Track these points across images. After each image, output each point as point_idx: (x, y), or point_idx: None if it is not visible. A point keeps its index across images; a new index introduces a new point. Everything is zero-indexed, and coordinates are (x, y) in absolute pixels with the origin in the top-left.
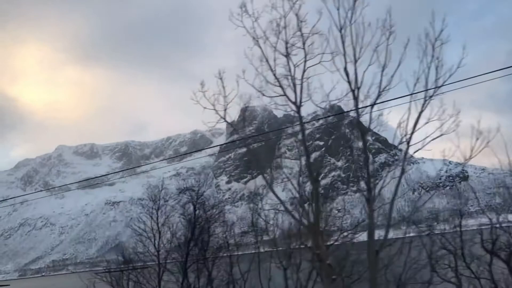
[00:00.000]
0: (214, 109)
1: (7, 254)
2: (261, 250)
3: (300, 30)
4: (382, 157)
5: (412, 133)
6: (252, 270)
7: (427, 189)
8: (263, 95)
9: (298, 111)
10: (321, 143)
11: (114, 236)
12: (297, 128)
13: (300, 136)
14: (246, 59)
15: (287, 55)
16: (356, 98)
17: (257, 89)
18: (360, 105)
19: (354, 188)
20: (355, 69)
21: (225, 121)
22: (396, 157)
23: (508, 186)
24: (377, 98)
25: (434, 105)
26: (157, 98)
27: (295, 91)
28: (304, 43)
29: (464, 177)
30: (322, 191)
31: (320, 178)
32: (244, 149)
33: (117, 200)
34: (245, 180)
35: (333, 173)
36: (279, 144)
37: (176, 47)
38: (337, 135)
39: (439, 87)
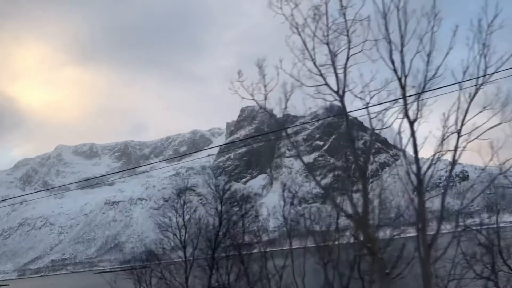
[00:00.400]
0: (253, 99)
1: (6, 254)
2: (297, 246)
3: (344, 16)
4: (382, 157)
5: (463, 123)
6: (286, 266)
7: (427, 189)
8: (302, 84)
9: (341, 100)
10: (321, 142)
11: (114, 236)
12: (296, 128)
13: (344, 128)
14: (281, 48)
15: (327, 43)
16: (403, 87)
17: (296, 78)
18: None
19: (354, 188)
20: (402, 57)
21: (266, 110)
22: (396, 157)
23: (503, 186)
24: (423, 87)
25: (485, 93)
26: (157, 98)
27: (337, 80)
28: (347, 30)
29: (464, 177)
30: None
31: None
32: (243, 149)
33: (117, 200)
34: (244, 180)
35: (332, 173)
36: (279, 144)
37: (176, 47)
38: (337, 135)
39: (491, 74)
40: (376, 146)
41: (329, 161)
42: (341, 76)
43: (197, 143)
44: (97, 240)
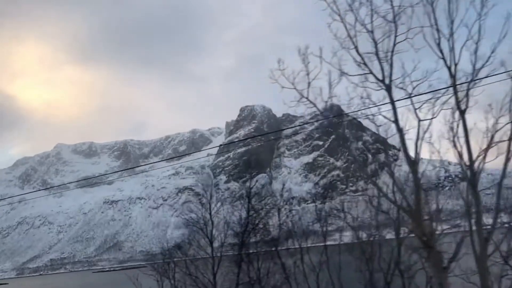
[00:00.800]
0: (295, 88)
1: (5, 252)
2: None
3: (391, 1)
4: (381, 157)
5: None
6: (323, 262)
7: (426, 189)
8: (343, 73)
9: (388, 90)
10: (320, 142)
11: (113, 235)
12: (296, 129)
13: (392, 117)
14: (321, 36)
15: (371, 31)
16: (453, 76)
17: (336, 68)
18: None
19: (353, 188)
20: (451, 45)
21: (308, 100)
22: (395, 157)
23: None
24: (473, 76)
25: None
26: (156, 97)
27: (381, 69)
28: (394, 17)
29: (464, 177)
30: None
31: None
32: (243, 149)
33: (116, 199)
34: (244, 179)
35: (332, 173)
36: (278, 144)
37: (176, 46)
38: (337, 135)
39: None
40: (375, 147)
41: (328, 161)
42: (384, 65)
43: (196, 142)
44: (96, 239)
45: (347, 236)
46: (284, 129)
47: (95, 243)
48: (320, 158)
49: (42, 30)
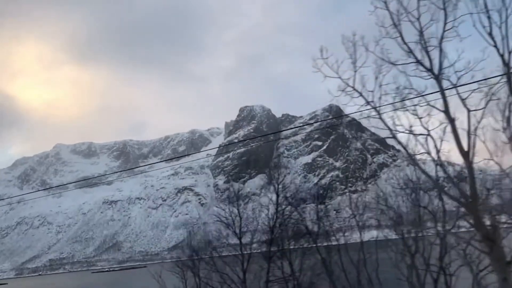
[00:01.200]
0: (340, 77)
1: (4, 252)
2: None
3: None
4: (380, 158)
5: None
6: (367, 258)
7: (426, 190)
8: (390, 62)
9: (437, 79)
10: (320, 143)
11: (112, 235)
12: (295, 129)
13: (442, 106)
14: (360, 26)
15: (418, 18)
16: (507, 64)
17: (379, 57)
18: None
19: (352, 189)
20: (504, 32)
21: (354, 89)
22: (395, 158)
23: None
24: None
25: None
26: (156, 97)
27: (429, 58)
28: (444, 3)
29: (463, 178)
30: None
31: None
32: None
33: (115, 199)
34: (243, 180)
35: (331, 174)
36: (278, 144)
37: (176, 46)
38: (336, 136)
39: None
40: (374, 147)
41: (327, 161)
42: (432, 53)
43: (195, 142)
44: (95, 239)
45: (384, 232)
46: (282, 130)
47: (94, 243)
48: (319, 159)
49: (42, 30)
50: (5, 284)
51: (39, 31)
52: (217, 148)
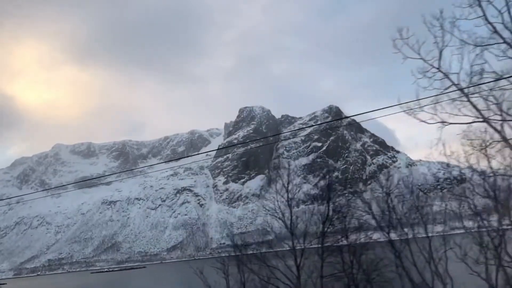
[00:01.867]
0: (422, 58)
1: (2, 253)
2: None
3: None
4: (380, 159)
5: None
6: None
7: (425, 191)
8: (477, 45)
9: None
10: (319, 144)
11: (111, 235)
12: (296, 130)
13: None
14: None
15: None
16: None
17: (463, 40)
18: None
19: (352, 190)
20: None
21: (440, 70)
22: (394, 159)
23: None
24: None
25: None
26: (155, 97)
27: None
28: None
29: (462, 179)
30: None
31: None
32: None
33: (114, 200)
34: (242, 180)
35: (331, 174)
36: (277, 145)
37: (175, 47)
38: (336, 137)
39: None
40: (374, 148)
41: (327, 162)
42: None
43: (195, 143)
44: (94, 239)
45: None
46: (282, 133)
47: (93, 244)
48: (319, 160)
49: (42, 30)
50: (4, 284)
51: (39, 32)
52: (216, 150)
